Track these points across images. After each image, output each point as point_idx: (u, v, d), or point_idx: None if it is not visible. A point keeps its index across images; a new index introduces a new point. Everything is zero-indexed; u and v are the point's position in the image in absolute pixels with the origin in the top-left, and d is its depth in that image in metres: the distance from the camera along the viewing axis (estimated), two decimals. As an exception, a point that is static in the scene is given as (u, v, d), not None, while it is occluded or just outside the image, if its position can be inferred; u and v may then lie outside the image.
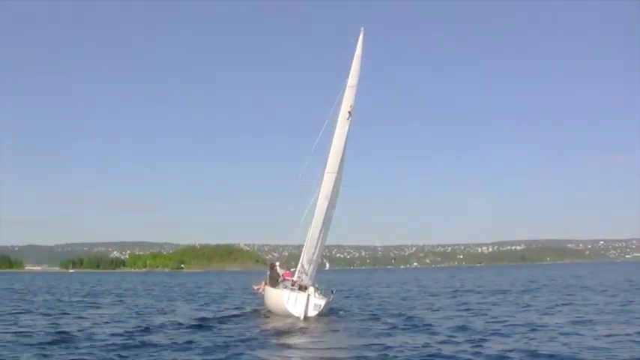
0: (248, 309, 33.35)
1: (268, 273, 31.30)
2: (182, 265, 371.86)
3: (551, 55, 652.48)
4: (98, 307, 35.92)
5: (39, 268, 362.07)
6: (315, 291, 28.51)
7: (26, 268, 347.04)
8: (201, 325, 24.94)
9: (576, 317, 25.99)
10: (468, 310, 31.18)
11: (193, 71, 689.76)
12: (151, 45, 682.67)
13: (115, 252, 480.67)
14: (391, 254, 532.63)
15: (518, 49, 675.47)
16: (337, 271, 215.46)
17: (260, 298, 32.57)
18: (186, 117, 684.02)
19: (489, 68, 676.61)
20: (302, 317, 26.96)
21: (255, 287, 33.17)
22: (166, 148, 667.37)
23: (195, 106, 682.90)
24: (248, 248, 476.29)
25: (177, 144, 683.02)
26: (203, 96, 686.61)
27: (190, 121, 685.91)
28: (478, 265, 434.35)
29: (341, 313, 30.50)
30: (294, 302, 27.48)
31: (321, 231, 30.41)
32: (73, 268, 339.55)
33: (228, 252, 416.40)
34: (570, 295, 42.65)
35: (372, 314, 29.70)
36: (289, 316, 27.27)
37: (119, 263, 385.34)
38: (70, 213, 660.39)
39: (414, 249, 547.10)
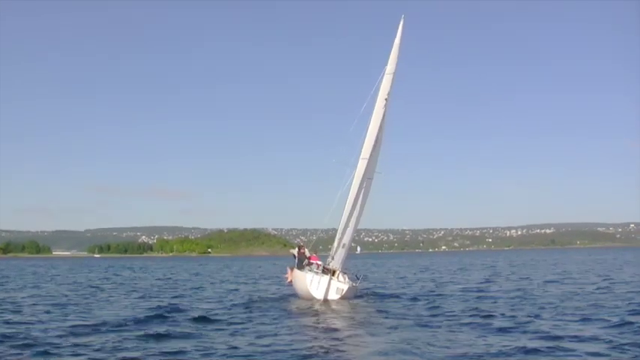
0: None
1: (296, 256, 30.72)
2: (209, 250, 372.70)
3: (581, 41, 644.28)
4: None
5: (68, 253, 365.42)
6: (339, 275, 29.08)
7: (54, 253, 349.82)
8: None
9: None
10: None
11: (225, 60, 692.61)
12: (182, 35, 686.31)
13: (144, 237, 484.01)
14: (419, 238, 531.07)
15: (551, 36, 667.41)
16: (373, 256, 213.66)
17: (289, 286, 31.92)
18: (214, 104, 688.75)
19: (518, 57, 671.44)
20: (322, 300, 27.40)
21: (285, 277, 32.44)
22: (195, 135, 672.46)
23: (223, 94, 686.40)
24: (276, 233, 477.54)
25: (206, 130, 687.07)
26: (232, 84, 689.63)
27: (218, 108, 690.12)
28: (507, 248, 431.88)
29: None
30: (317, 285, 27.82)
31: (351, 216, 30.31)
32: (99, 253, 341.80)
33: (255, 236, 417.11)
34: None
35: None
36: (312, 298, 27.62)
37: (147, 248, 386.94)
38: (101, 200, 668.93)
39: (442, 232, 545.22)
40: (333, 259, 30.36)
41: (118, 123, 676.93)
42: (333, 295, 27.62)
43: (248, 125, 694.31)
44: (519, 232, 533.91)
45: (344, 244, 30.73)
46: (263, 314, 23.24)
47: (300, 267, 29.72)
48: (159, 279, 56.03)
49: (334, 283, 27.95)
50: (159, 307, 25.67)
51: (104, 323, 20.23)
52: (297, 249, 31.48)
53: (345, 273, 30.02)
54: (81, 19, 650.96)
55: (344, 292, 27.78)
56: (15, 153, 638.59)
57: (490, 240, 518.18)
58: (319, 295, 27.57)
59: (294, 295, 29.95)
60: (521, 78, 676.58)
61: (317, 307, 25.71)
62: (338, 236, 30.52)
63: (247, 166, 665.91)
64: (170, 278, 56.86)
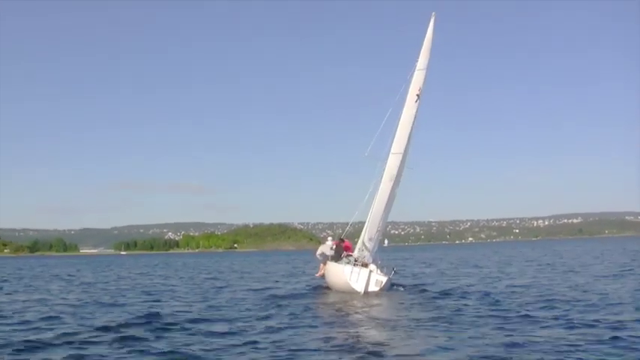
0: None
1: (333, 247, 30.02)
2: (235, 245, 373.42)
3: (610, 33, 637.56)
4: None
5: (95, 251, 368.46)
6: (376, 268, 28.68)
7: (82, 251, 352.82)
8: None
9: None
10: None
11: (251, 53, 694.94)
12: (210, 28, 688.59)
13: (170, 233, 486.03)
14: (446, 230, 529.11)
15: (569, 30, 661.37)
16: (401, 248, 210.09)
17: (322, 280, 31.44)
18: (240, 98, 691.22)
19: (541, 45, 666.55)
20: (363, 292, 27.16)
21: (318, 275, 31.90)
22: (220, 129, 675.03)
23: (251, 88, 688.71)
24: (302, 227, 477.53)
25: (231, 125, 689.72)
26: (259, 78, 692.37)
27: (244, 102, 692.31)
28: (534, 239, 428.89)
29: None
30: (357, 277, 27.60)
31: (384, 210, 30.37)
32: (126, 250, 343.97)
33: (282, 231, 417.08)
34: None
35: None
36: (351, 291, 27.36)
37: (173, 244, 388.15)
38: (127, 197, 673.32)
39: (468, 224, 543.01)
40: (369, 251, 30.21)
41: (135, 121, 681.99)
42: (373, 288, 27.44)
43: (260, 122, 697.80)
44: (546, 222, 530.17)
45: (374, 238, 30.66)
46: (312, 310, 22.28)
47: (338, 259, 29.33)
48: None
49: (374, 275, 27.75)
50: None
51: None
52: (333, 244, 30.38)
53: (377, 265, 29.40)
54: (81, 19, 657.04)
55: (383, 284, 27.61)
56: (37, 152, 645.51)
57: (517, 230, 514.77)
58: (360, 287, 27.27)
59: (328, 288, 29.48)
60: (541, 68, 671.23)
61: (364, 300, 24.94)
62: (370, 229, 30.31)
63: (266, 161, 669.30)
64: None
